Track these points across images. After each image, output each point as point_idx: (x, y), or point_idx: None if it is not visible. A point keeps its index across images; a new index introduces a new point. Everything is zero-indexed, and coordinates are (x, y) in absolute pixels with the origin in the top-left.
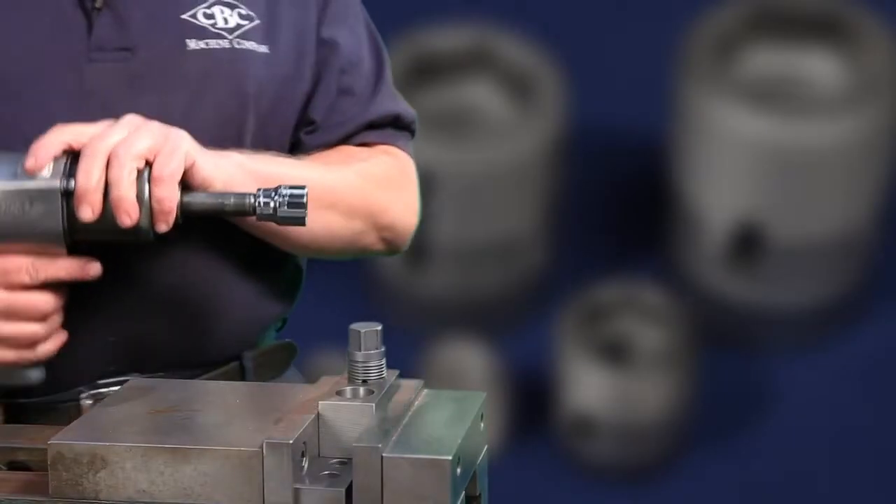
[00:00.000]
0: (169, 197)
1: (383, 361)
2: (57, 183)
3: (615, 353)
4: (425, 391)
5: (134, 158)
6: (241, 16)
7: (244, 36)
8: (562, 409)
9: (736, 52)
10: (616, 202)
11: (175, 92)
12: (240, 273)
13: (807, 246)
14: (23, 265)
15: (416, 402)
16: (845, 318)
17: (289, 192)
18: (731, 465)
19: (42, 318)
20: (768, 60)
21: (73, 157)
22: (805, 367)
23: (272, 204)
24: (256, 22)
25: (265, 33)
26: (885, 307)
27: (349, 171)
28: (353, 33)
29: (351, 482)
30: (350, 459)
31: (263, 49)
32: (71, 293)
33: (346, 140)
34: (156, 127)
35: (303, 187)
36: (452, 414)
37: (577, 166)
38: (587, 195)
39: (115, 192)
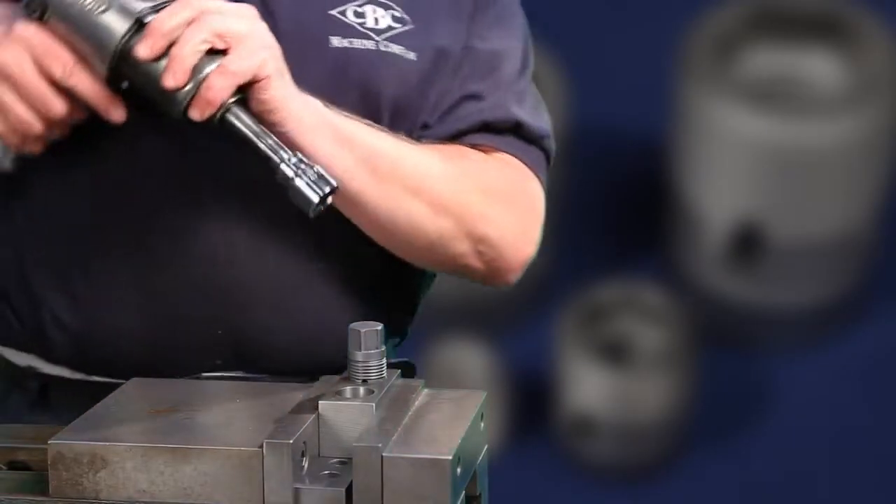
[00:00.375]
0: (219, 88)
1: (383, 361)
2: (139, 7)
3: (615, 353)
4: (425, 391)
5: (213, 33)
6: (394, 18)
7: (393, 39)
8: (562, 409)
9: (736, 52)
10: (616, 202)
11: (312, 86)
12: (354, 283)
13: (807, 246)
14: (64, 57)
15: (416, 402)
16: (845, 318)
17: (317, 176)
18: (731, 465)
19: (45, 117)
20: (768, 60)
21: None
22: (805, 367)
23: (291, 173)
24: (410, 27)
25: (417, 39)
26: (885, 307)
27: (450, 164)
28: (497, 44)
29: (351, 482)
30: (350, 459)
31: (411, 56)
32: (181, 277)
33: (459, 137)
34: (258, 28)
35: (332, 184)
36: (452, 413)
37: (577, 166)
38: (587, 195)
39: (176, 49)
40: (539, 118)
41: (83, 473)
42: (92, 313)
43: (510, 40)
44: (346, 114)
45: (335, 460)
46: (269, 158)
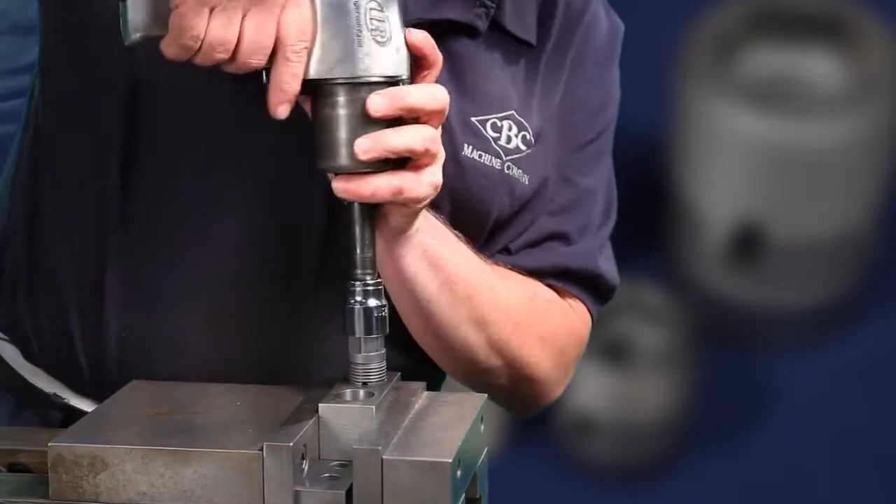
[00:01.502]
0: (380, 193)
1: (384, 364)
2: (404, 67)
3: (615, 353)
4: (425, 393)
5: (427, 147)
6: (524, 139)
7: (516, 162)
8: (562, 409)
9: (736, 52)
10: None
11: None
12: (405, 347)
13: (807, 246)
14: (306, 40)
15: (417, 405)
16: (845, 318)
17: (378, 319)
18: (731, 465)
19: (230, 61)
20: (768, 60)
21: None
22: (805, 367)
23: (360, 297)
24: (532, 150)
25: (533, 164)
26: (885, 307)
27: (521, 303)
28: (593, 180)
29: (351, 485)
30: (350, 462)
31: (524, 181)
32: (272, 346)
33: (537, 273)
34: (442, 161)
35: (384, 333)
36: (452, 416)
37: None
38: None
39: (393, 134)
40: (613, 267)
41: (83, 476)
42: (174, 363)
43: (602, 176)
44: (441, 224)
45: (335, 463)
46: (353, 265)
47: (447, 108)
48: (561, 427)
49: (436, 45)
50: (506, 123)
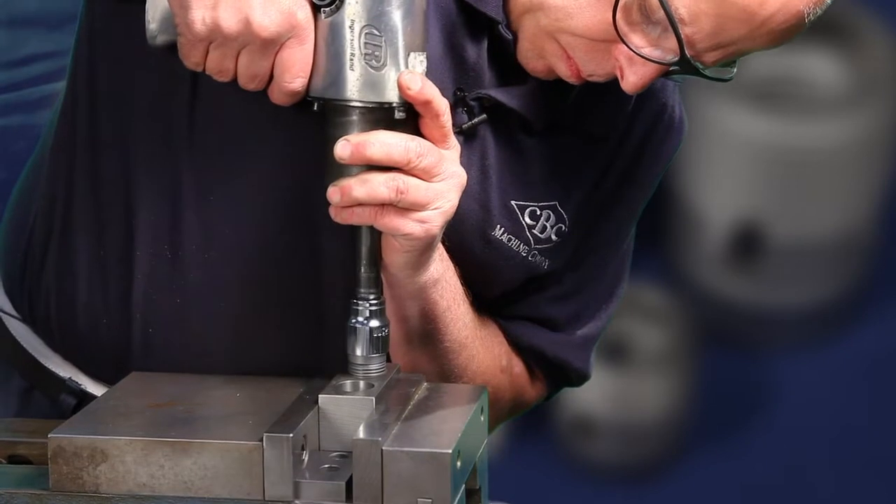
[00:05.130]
0: (354, 218)
1: (384, 357)
2: (390, 97)
3: (615, 353)
4: (425, 384)
5: (410, 202)
6: (558, 231)
7: (543, 252)
8: (562, 410)
9: None
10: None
11: (451, 249)
12: None
13: (807, 246)
14: (305, 70)
15: (417, 396)
16: (845, 318)
17: (380, 340)
18: (731, 464)
19: (234, 77)
20: (768, 60)
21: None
22: (805, 367)
23: (362, 317)
24: (561, 241)
25: (558, 254)
26: (885, 307)
27: (492, 377)
28: (607, 253)
29: (351, 475)
30: (350, 453)
31: (544, 266)
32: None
33: (517, 344)
34: (452, 204)
35: (385, 354)
36: (453, 407)
37: None
38: None
39: (367, 187)
40: (589, 361)
41: (83, 467)
42: (193, 347)
43: (620, 246)
44: (455, 280)
45: (335, 454)
46: (358, 282)
47: (422, 161)
48: (561, 427)
49: (434, 96)
50: (545, 213)
